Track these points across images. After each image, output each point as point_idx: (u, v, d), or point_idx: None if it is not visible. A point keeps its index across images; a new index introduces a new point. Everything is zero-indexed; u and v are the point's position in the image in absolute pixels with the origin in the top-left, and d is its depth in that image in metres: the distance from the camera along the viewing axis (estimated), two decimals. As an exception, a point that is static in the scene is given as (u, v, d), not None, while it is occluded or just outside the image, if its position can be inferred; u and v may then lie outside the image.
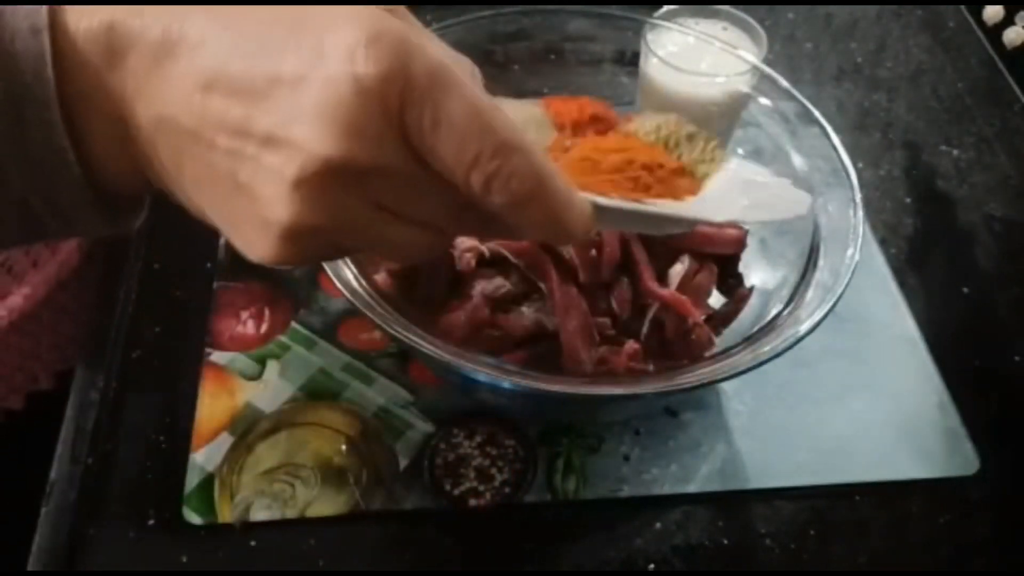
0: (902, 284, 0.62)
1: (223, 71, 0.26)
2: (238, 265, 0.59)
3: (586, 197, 0.31)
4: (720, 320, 0.52)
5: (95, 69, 0.27)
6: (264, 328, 0.56)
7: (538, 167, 0.28)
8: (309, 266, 0.31)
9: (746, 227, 0.53)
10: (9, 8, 0.26)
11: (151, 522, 0.48)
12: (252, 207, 0.27)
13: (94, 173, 0.29)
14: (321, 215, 0.26)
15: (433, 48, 0.27)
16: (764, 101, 0.57)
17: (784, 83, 0.56)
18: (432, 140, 0.26)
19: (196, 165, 0.27)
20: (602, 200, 0.32)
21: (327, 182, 0.26)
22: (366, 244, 0.29)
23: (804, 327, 0.43)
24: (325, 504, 0.48)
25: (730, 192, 0.37)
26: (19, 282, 0.58)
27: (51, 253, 0.60)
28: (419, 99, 0.26)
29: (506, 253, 0.49)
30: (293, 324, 0.56)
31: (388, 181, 0.27)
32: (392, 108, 0.25)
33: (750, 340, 0.46)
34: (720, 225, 0.52)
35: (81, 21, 0.27)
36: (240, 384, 0.53)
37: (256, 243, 0.28)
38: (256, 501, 0.48)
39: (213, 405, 0.52)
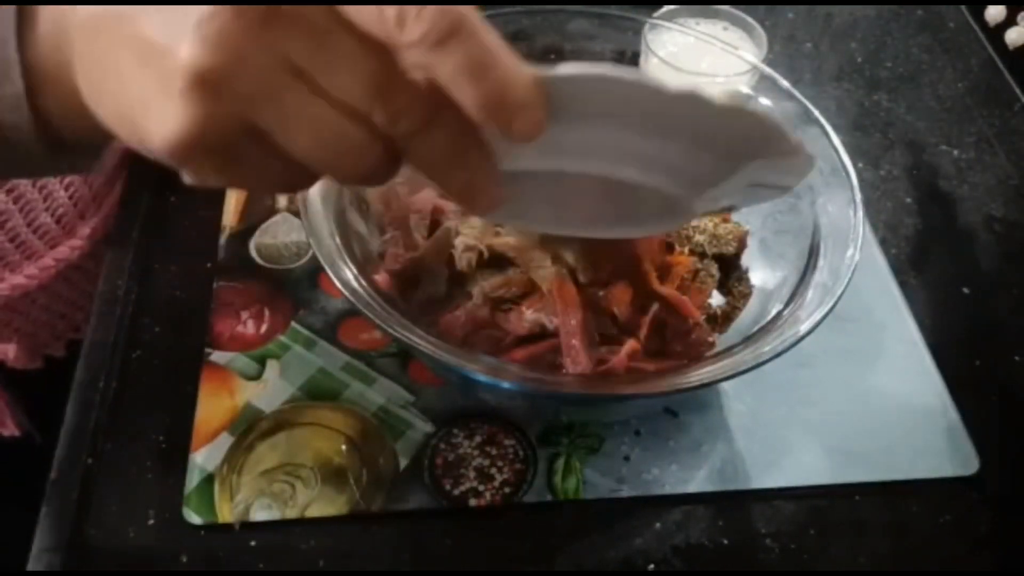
0: (902, 284, 0.62)
1: None
2: (238, 265, 0.59)
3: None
4: (720, 320, 0.52)
5: None
6: (264, 328, 0.56)
7: (460, 8, 0.26)
8: (230, 171, 0.29)
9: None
10: None
11: (151, 522, 0.48)
12: (157, 63, 0.26)
13: (34, 93, 0.31)
14: (224, 56, 0.25)
15: None
16: (764, 101, 0.57)
17: (784, 83, 0.56)
18: None
19: (111, 39, 0.27)
20: (567, 70, 0.28)
21: (230, 19, 0.25)
22: (284, 119, 0.27)
23: (804, 327, 0.43)
24: (325, 504, 0.48)
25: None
26: (69, 234, 0.62)
27: (96, 207, 0.64)
28: None
29: (506, 253, 0.49)
30: (293, 324, 0.56)
31: (298, 29, 0.26)
32: None
33: (750, 340, 0.46)
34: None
35: None
36: (240, 384, 0.53)
37: (162, 111, 0.27)
38: (256, 501, 0.48)
39: (213, 405, 0.52)
